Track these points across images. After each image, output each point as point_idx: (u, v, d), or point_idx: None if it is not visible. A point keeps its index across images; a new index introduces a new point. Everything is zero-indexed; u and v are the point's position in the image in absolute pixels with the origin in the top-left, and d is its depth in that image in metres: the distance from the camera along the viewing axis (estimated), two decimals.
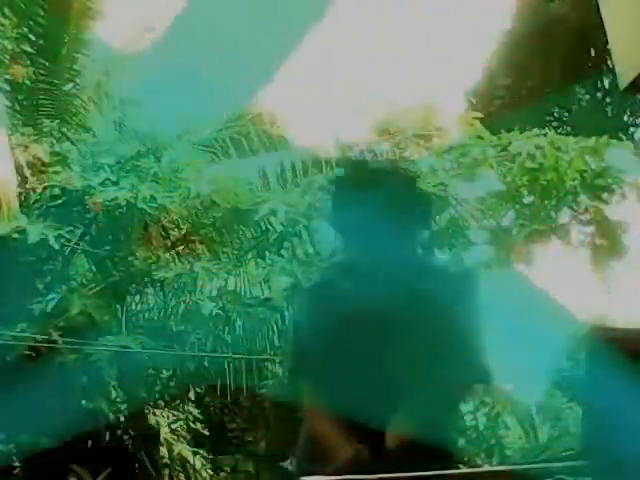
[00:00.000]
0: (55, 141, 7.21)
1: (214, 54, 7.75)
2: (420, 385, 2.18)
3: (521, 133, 6.61)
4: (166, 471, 8.48)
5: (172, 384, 7.26)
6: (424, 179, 6.60)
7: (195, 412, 8.86)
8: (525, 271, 6.67)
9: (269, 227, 6.82)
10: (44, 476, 6.92)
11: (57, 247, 6.28)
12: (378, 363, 2.22)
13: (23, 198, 6.52)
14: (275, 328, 6.71)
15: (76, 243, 6.60)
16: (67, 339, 6.22)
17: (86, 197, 6.49)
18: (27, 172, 6.58)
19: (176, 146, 7.24)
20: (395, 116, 7.06)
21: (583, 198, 6.43)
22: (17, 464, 7.21)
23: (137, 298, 7.12)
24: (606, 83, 10.68)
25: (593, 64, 10.46)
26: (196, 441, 8.96)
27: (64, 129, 7.53)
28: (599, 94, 10.94)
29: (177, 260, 6.95)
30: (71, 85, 7.83)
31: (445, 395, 2.23)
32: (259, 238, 6.97)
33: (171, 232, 7.09)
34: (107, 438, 7.53)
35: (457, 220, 6.72)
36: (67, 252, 6.74)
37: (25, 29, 7.50)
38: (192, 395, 8.50)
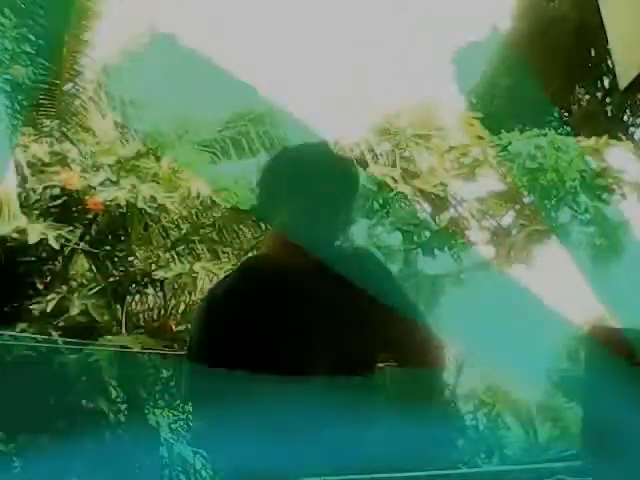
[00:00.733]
0: (55, 141, 7.21)
1: (214, 54, 7.76)
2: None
3: (521, 133, 6.62)
4: (166, 471, 8.46)
5: (172, 384, 7.25)
6: (424, 179, 6.62)
7: None
8: (525, 271, 6.68)
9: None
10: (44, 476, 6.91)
11: (57, 247, 6.28)
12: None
13: (23, 198, 6.52)
14: None
15: (76, 243, 6.59)
16: (67, 339, 6.21)
17: (86, 197, 6.49)
18: (27, 172, 6.58)
19: (176, 146, 7.25)
20: (395, 116, 7.04)
21: (583, 198, 6.44)
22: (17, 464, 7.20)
23: (137, 298, 7.12)
24: (606, 83, 10.68)
25: (593, 64, 10.46)
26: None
27: (64, 129, 7.53)
28: (599, 94, 10.94)
29: (177, 260, 6.95)
30: (71, 85, 7.83)
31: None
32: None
33: (171, 232, 7.09)
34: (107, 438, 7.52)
35: (457, 220, 6.72)
36: (67, 252, 6.74)
37: (25, 29, 7.50)
38: None
